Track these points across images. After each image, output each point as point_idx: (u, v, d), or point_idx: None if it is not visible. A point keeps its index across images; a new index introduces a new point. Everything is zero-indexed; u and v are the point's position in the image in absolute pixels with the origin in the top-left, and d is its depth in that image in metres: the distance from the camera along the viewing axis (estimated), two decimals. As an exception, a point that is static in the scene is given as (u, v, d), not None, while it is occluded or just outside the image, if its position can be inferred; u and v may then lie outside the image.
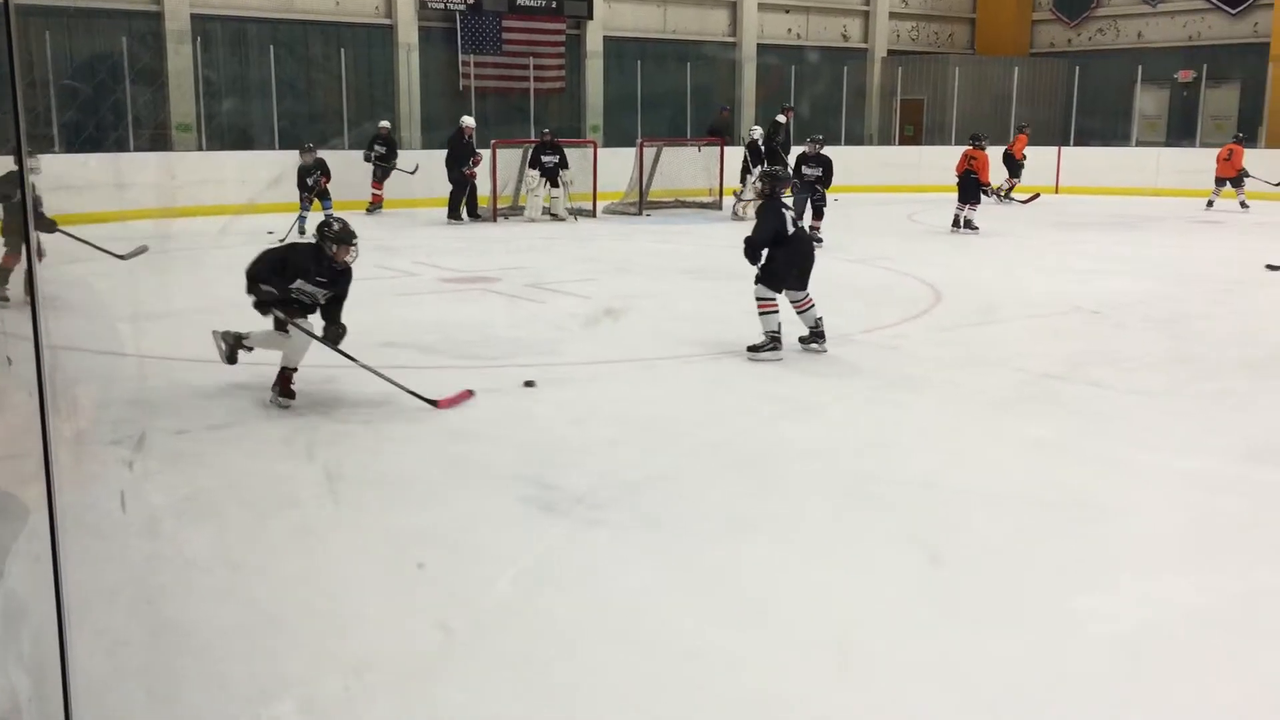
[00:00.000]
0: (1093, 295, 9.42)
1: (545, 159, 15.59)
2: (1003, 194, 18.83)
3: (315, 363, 6.81)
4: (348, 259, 5.82)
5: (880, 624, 3.47)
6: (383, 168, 16.05)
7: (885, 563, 3.95)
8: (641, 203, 16.73)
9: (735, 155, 17.09)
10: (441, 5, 19.90)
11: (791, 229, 7.03)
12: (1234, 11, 23.55)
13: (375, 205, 16.00)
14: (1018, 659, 3.24)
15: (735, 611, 3.55)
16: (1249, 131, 20.32)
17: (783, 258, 7.01)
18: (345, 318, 5.91)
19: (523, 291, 9.59)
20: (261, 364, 6.70)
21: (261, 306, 5.82)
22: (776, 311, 6.97)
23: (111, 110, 16.70)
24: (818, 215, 12.74)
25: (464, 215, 15.39)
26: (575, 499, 4.53)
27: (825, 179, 12.78)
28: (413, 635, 3.38)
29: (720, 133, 18.76)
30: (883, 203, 18.40)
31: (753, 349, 6.95)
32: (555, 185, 15.63)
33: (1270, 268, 10.91)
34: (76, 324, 7.39)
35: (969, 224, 14.28)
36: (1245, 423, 5.83)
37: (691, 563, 3.95)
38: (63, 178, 13.93)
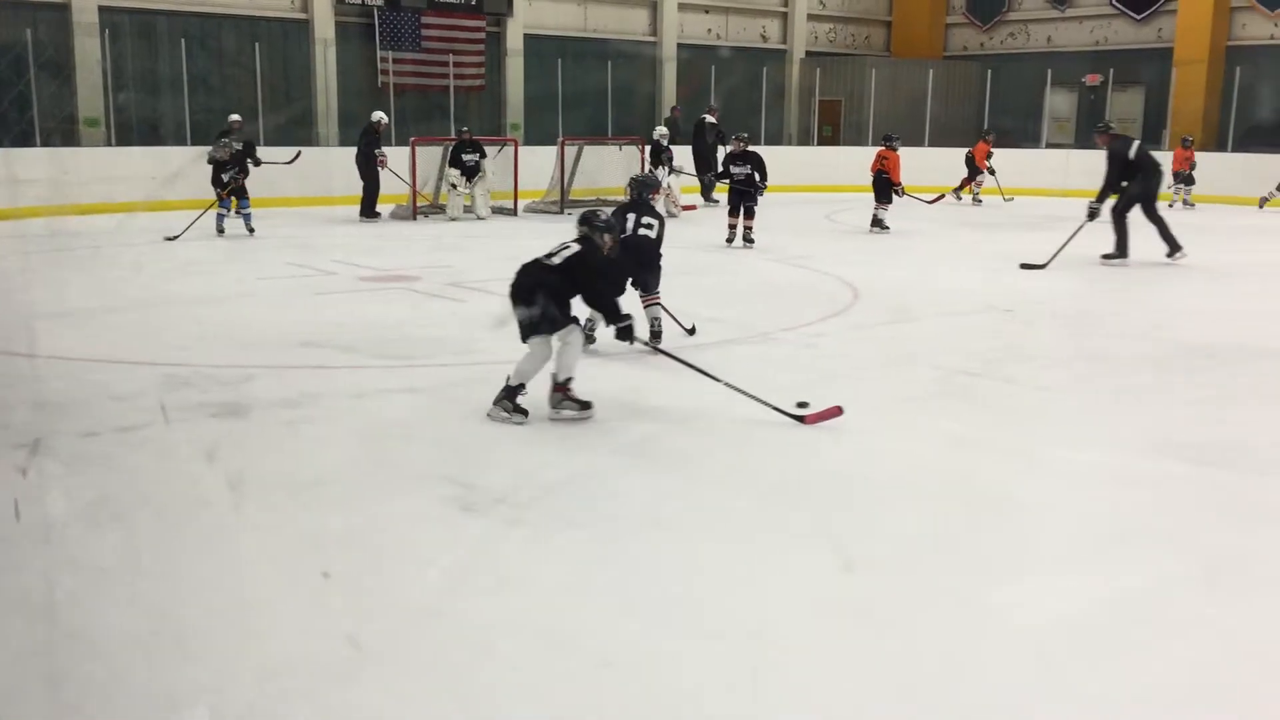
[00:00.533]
0: (1005, 294, 9.61)
1: (465, 157, 15.54)
2: (975, 197, 19.21)
3: (229, 363, 6.69)
4: (609, 249, 5.86)
5: (798, 621, 3.49)
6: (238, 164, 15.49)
7: (803, 559, 3.98)
8: (563, 201, 16.69)
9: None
10: (359, 1, 19.64)
11: (629, 232, 7.05)
12: (1139, 18, 24.24)
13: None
14: (934, 654, 3.28)
15: (656, 611, 3.55)
16: (1153, 135, 20.81)
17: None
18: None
19: (443, 290, 9.50)
20: (179, 365, 6.54)
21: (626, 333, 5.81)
22: None
23: (14, 104, 16.19)
24: (749, 216, 12.62)
25: (375, 213, 15.21)
26: (495, 499, 4.49)
27: (761, 177, 12.57)
28: (326, 639, 3.31)
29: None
30: (802, 202, 18.59)
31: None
32: (471, 181, 15.52)
33: (1024, 267, 10.95)
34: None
35: (879, 223, 14.44)
36: (1152, 417, 5.98)
37: (611, 562, 3.94)
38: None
